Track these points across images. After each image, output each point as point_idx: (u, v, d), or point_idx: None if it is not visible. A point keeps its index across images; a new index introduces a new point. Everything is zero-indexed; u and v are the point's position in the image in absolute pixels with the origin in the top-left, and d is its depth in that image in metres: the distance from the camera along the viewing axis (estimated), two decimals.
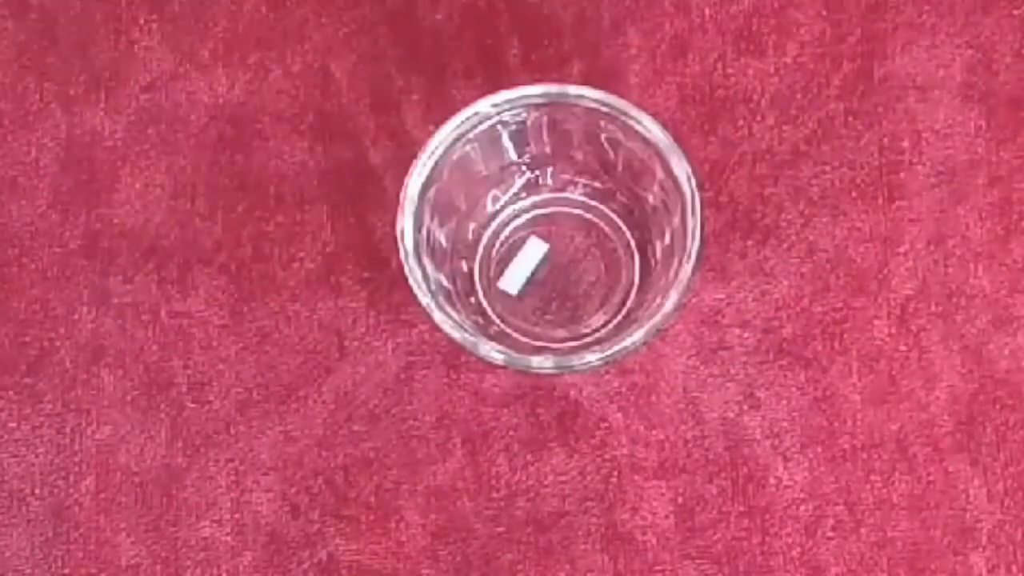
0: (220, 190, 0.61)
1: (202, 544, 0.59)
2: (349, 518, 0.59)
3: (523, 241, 0.60)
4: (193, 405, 0.60)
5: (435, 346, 0.60)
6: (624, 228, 0.60)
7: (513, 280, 0.60)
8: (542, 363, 0.53)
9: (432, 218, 0.55)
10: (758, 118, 0.61)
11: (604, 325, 0.59)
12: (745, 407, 0.59)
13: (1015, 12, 0.62)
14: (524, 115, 0.55)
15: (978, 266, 0.60)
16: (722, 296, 0.60)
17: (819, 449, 0.59)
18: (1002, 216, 0.60)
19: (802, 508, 0.59)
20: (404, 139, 0.61)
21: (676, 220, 0.54)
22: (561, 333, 0.59)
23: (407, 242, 0.54)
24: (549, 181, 0.59)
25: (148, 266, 0.61)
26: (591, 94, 0.54)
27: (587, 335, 0.59)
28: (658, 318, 0.53)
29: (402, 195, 0.54)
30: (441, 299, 0.54)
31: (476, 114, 0.54)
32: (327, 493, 0.59)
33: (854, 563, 0.59)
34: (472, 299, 0.59)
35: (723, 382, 0.60)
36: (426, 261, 0.54)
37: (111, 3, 0.62)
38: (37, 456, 0.60)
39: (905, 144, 0.61)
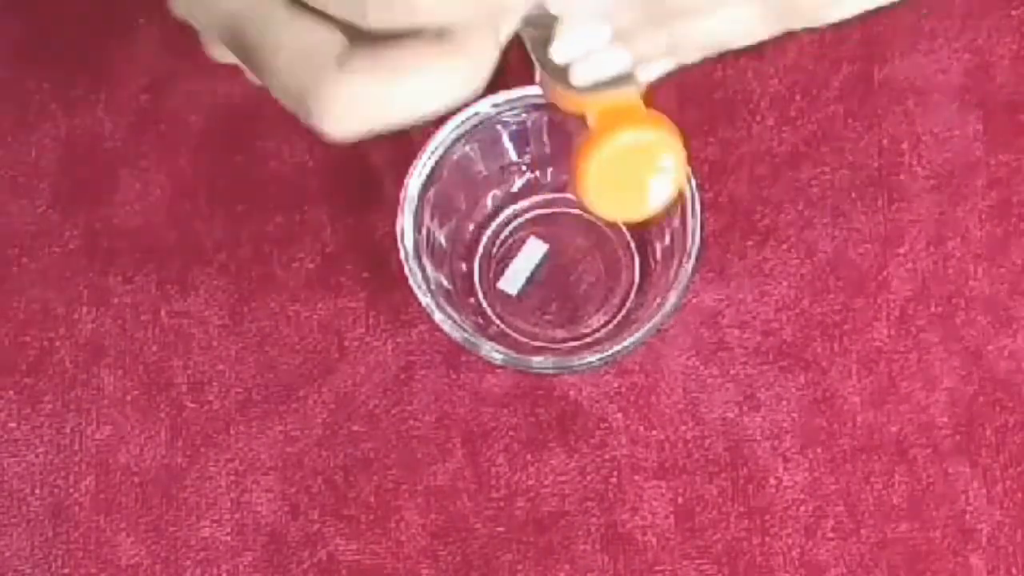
0: (220, 190, 0.61)
1: (202, 544, 0.59)
2: (349, 518, 0.59)
3: (523, 241, 0.60)
4: (193, 405, 0.60)
5: (435, 346, 0.60)
6: (624, 228, 0.60)
7: (513, 280, 0.60)
8: (542, 363, 0.53)
9: (432, 218, 0.55)
10: (758, 119, 0.61)
11: (604, 325, 0.59)
12: (745, 408, 0.59)
13: (1013, 12, 0.62)
14: (524, 115, 0.55)
15: (977, 268, 0.60)
16: (722, 297, 0.60)
17: (819, 450, 0.59)
18: (1001, 218, 0.61)
19: (802, 509, 0.59)
20: (404, 139, 0.61)
21: (676, 220, 0.54)
22: (561, 333, 0.59)
23: (407, 242, 0.54)
24: (549, 181, 0.59)
25: (148, 266, 0.61)
26: None
27: (587, 335, 0.59)
28: (658, 318, 0.53)
29: (402, 195, 0.54)
30: (441, 299, 0.54)
31: (476, 114, 0.54)
32: (327, 493, 0.59)
33: (854, 564, 0.59)
34: (472, 299, 0.59)
35: (723, 382, 0.60)
36: (426, 261, 0.54)
37: (111, 3, 0.62)
38: (37, 456, 0.60)
39: (904, 146, 0.61)
